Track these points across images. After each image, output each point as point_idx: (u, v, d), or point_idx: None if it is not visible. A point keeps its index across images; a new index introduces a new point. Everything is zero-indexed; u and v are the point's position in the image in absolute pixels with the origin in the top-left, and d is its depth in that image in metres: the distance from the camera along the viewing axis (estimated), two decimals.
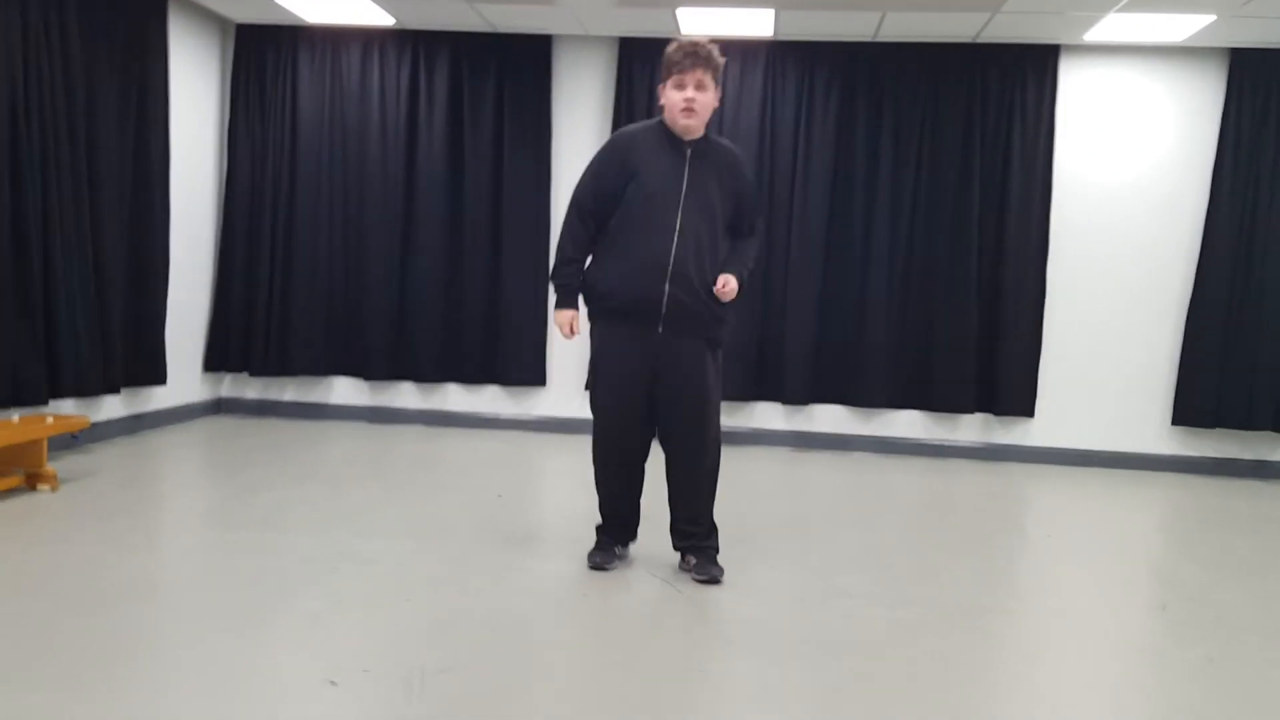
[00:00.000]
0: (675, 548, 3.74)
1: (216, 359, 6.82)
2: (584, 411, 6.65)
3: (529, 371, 6.79)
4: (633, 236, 3.45)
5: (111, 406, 5.78)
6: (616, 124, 6.60)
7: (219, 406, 6.94)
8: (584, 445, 6.29)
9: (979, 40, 6.27)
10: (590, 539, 3.81)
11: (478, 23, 6.36)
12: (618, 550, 3.79)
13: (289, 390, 6.94)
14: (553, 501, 5.33)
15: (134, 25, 5.68)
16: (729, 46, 6.46)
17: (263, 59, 6.76)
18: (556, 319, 3.66)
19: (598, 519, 3.80)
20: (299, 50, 6.73)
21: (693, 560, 3.64)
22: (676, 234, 3.41)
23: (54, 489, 4.50)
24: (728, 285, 3.48)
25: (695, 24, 6.15)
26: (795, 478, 5.78)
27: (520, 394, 6.87)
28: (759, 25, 6.13)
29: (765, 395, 6.68)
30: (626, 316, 3.50)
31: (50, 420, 4.62)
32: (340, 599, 3.26)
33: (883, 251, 6.47)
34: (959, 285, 6.42)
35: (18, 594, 3.19)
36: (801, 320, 6.53)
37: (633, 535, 3.83)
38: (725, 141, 3.67)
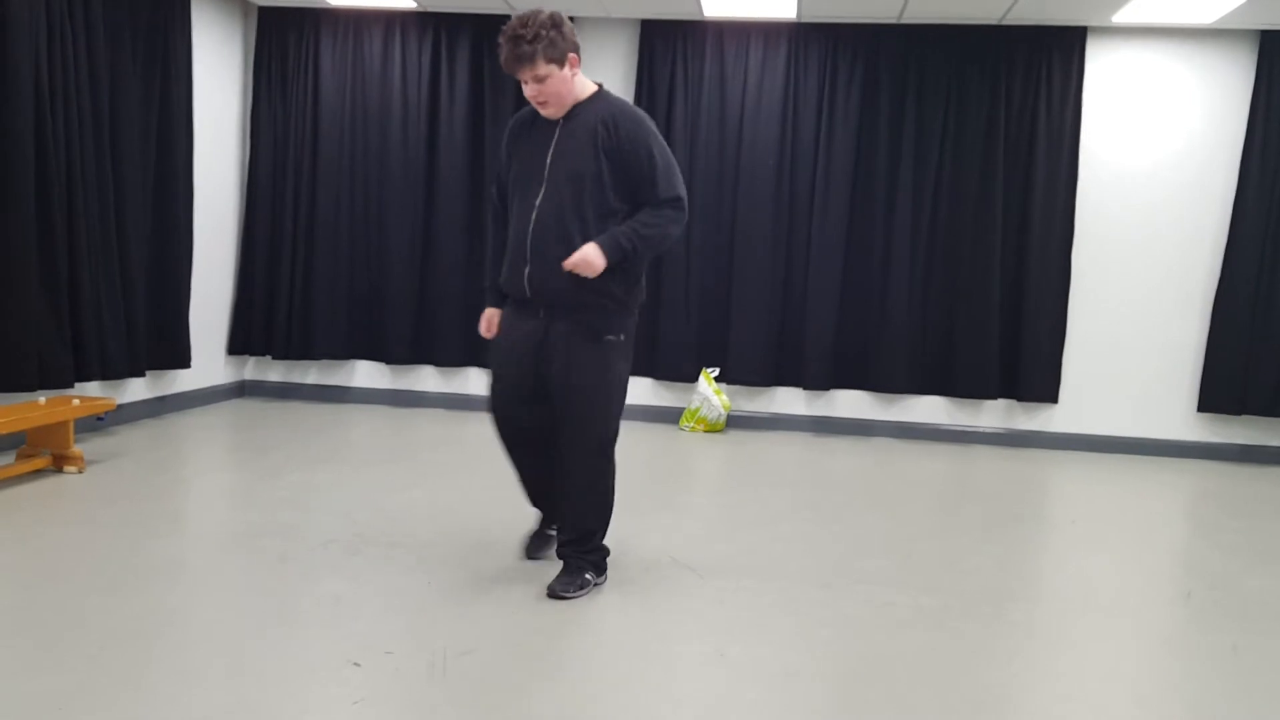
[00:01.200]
0: (558, 552, 3.40)
1: (240, 342, 6.86)
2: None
3: None
4: (510, 223, 3.27)
5: (137, 389, 5.83)
6: (637, 106, 6.58)
7: (242, 389, 6.99)
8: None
9: (1005, 22, 6.20)
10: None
11: (499, 5, 6.34)
12: (551, 531, 3.60)
13: (311, 373, 6.98)
14: None
15: (157, 9, 5.70)
16: (750, 29, 6.48)
17: (284, 42, 6.77)
18: (487, 320, 3.48)
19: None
20: (320, 33, 6.74)
21: (561, 567, 3.34)
22: (535, 209, 3.15)
23: (80, 470, 4.55)
24: (579, 257, 3.04)
25: (718, 6, 6.11)
26: (816, 463, 5.77)
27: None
28: (782, 7, 6.08)
29: (785, 380, 6.66)
30: (510, 299, 3.32)
31: (77, 403, 4.67)
32: (363, 581, 3.28)
33: (905, 235, 6.42)
34: (982, 269, 6.37)
35: (46, 575, 3.23)
36: (822, 304, 6.50)
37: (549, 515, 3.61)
38: (613, 100, 3.24)
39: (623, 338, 3.25)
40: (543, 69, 3.05)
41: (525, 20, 3.04)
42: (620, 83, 6.67)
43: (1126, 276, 6.39)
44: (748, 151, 6.52)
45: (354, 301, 6.84)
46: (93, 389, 5.41)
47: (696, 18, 6.42)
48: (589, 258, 3.05)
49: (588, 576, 3.29)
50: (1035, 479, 5.69)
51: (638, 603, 3.23)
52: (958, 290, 6.43)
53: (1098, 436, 6.46)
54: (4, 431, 4.31)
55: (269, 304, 6.80)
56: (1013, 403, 6.54)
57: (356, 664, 2.64)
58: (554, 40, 3.04)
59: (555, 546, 3.45)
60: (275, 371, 7.01)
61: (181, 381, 6.28)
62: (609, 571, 3.42)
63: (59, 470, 4.53)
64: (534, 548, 3.62)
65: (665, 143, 3.22)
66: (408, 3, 6.42)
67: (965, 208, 6.39)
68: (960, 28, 6.28)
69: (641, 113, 3.23)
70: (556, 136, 3.17)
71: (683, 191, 3.19)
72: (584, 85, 3.21)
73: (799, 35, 6.44)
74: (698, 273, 6.62)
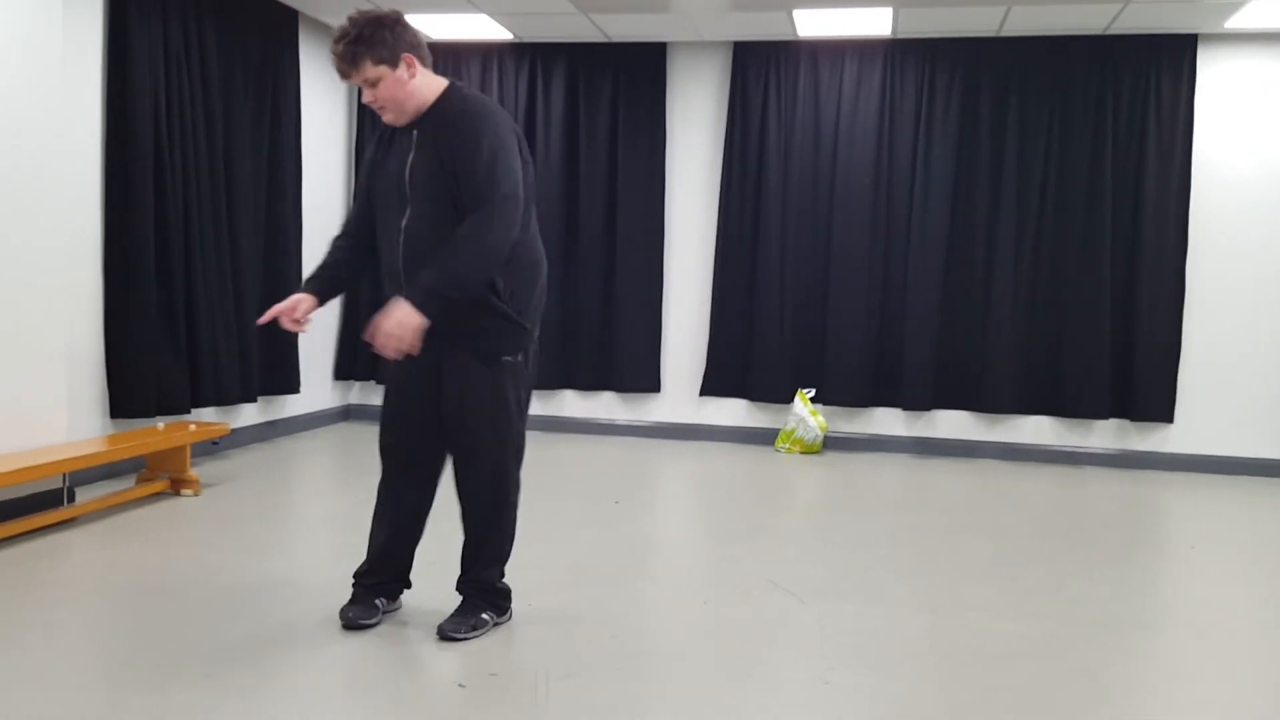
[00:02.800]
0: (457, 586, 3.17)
1: (345, 368, 7.06)
2: (699, 417, 6.72)
3: (644, 378, 6.81)
4: (378, 248, 2.99)
5: (249, 414, 6.04)
6: (730, 129, 6.60)
7: (347, 413, 7.18)
8: (700, 451, 6.32)
9: (1110, 31, 6.03)
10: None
11: (594, 34, 6.43)
12: (380, 603, 3.11)
13: None
14: (669, 507, 5.33)
15: (267, 48, 5.94)
16: (844, 47, 6.43)
17: None
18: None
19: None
20: None
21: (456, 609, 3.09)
22: (402, 231, 2.85)
23: (196, 493, 4.72)
24: (380, 319, 2.68)
25: (812, 25, 6.09)
26: (918, 485, 5.65)
27: (635, 400, 6.90)
28: (877, 24, 6.02)
29: (884, 401, 6.55)
30: None
31: (193, 428, 4.86)
32: None
33: (1008, 251, 6.27)
34: (1091, 283, 6.18)
35: (164, 595, 3.35)
36: (922, 322, 6.39)
37: (400, 583, 3.19)
38: (468, 95, 2.94)
39: (520, 358, 2.94)
40: (371, 71, 2.77)
41: (350, 21, 2.78)
42: (713, 105, 6.69)
43: (1244, 289, 6.13)
44: (843, 170, 6.46)
45: None
46: (208, 414, 5.62)
47: (790, 38, 6.40)
48: (397, 326, 2.68)
49: (484, 616, 3.05)
50: (1150, 502, 5.47)
51: (737, 627, 3.20)
52: (1065, 306, 6.25)
53: (1215, 457, 6.18)
54: (125, 456, 4.51)
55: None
56: (1125, 422, 6.31)
57: (462, 685, 2.67)
58: (380, 39, 2.75)
59: (385, 612, 3.13)
60: (378, 396, 7.15)
61: (291, 406, 6.49)
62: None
63: (176, 493, 4.71)
64: (359, 614, 3.06)
65: (503, 135, 2.83)
66: (504, 34, 6.55)
67: (1072, 221, 6.21)
68: (1063, 38, 6.13)
69: (494, 106, 2.93)
70: (412, 150, 2.85)
71: (508, 189, 2.76)
72: (431, 86, 2.89)
73: (895, 51, 6.37)
74: (792, 292, 6.57)
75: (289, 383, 6.25)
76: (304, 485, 5.47)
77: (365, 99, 2.86)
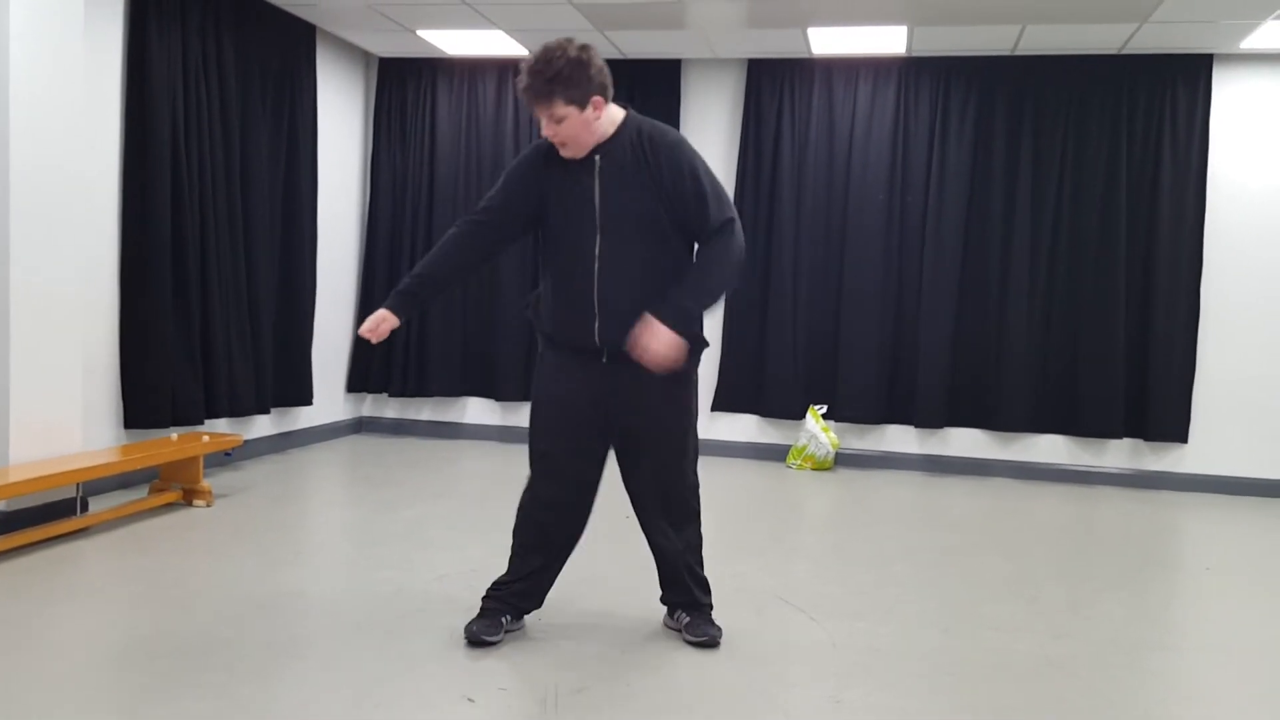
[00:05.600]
0: (663, 602, 3.28)
1: (358, 381, 7.07)
2: (711, 433, 6.70)
3: None
4: (555, 272, 3.01)
5: (262, 425, 6.05)
6: (744, 146, 6.61)
7: (360, 425, 7.19)
8: (713, 468, 6.30)
9: (1125, 51, 6.03)
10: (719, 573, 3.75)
11: (609, 50, 6.46)
12: (505, 620, 3.12)
13: (425, 410, 7.14)
14: None
15: (285, 61, 5.98)
16: (858, 65, 6.44)
17: (403, 91, 7.02)
18: (374, 320, 3.10)
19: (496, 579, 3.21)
20: (437, 82, 6.97)
21: (684, 618, 3.19)
22: (596, 259, 2.90)
23: (209, 504, 4.73)
24: (648, 340, 2.81)
25: (827, 43, 6.10)
26: (930, 503, 5.62)
27: None
28: (892, 42, 6.03)
29: (896, 418, 6.53)
30: (565, 347, 3.03)
31: (206, 439, 4.87)
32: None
33: (1023, 268, 6.26)
34: (1105, 302, 6.16)
35: (176, 605, 3.36)
36: (935, 340, 6.37)
37: (534, 604, 3.21)
38: (648, 126, 2.97)
39: (696, 373, 3.11)
40: (560, 109, 2.81)
41: (549, 55, 2.80)
42: (727, 122, 6.71)
43: (1260, 309, 6.09)
44: (856, 187, 6.46)
45: (467, 341, 7.00)
46: (221, 425, 5.63)
47: (804, 55, 6.42)
48: (667, 346, 2.82)
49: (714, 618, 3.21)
50: (1164, 522, 5.43)
51: (748, 645, 3.19)
52: (1080, 325, 6.22)
53: (1231, 478, 6.14)
54: (138, 466, 4.53)
55: (386, 343, 6.90)
56: (1139, 442, 6.27)
57: (471, 700, 2.67)
58: (576, 80, 2.79)
59: (507, 630, 3.13)
60: (391, 408, 7.19)
61: (304, 418, 6.50)
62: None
63: (189, 504, 4.72)
64: (484, 630, 3.08)
65: (706, 162, 3.00)
66: (520, 50, 6.58)
67: (1086, 240, 6.19)
68: (1078, 58, 6.12)
69: (677, 134, 3.02)
70: (599, 175, 2.90)
71: (733, 212, 2.95)
72: (611, 117, 2.93)
73: (909, 70, 6.38)
74: (805, 308, 6.56)
75: (302, 394, 6.27)
76: (316, 497, 5.48)
77: (546, 131, 2.88)
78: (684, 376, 3.02)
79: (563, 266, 2.98)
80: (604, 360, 2.96)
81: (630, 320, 2.86)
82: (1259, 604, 3.92)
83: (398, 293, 3.09)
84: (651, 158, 2.90)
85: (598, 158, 2.91)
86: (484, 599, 3.15)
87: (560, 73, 2.78)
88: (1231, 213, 6.11)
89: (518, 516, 3.16)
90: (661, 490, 3.11)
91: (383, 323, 3.04)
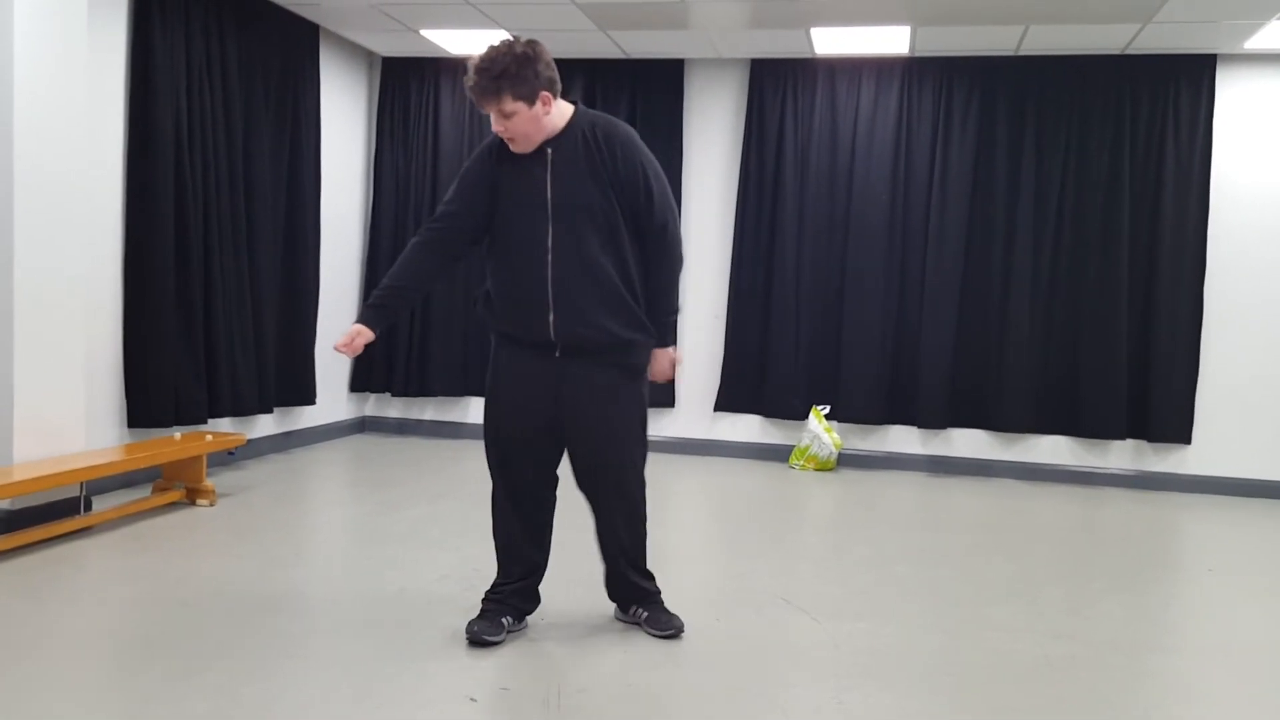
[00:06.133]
0: (612, 599, 3.30)
1: (361, 380, 7.08)
2: (714, 433, 6.71)
3: (658, 392, 6.79)
4: (504, 265, 3.00)
5: (265, 424, 6.06)
6: (747, 146, 6.61)
7: (363, 425, 7.20)
8: (714, 467, 6.31)
9: (1129, 51, 6.02)
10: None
11: (612, 50, 6.46)
12: (507, 622, 3.12)
13: (428, 410, 7.15)
14: (683, 523, 5.32)
15: (288, 60, 5.99)
16: (861, 65, 6.44)
17: (406, 90, 7.03)
18: (349, 336, 3.01)
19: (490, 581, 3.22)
20: (440, 81, 6.97)
21: (642, 613, 3.22)
22: (549, 250, 2.91)
23: (212, 503, 4.74)
24: (662, 369, 3.12)
25: (830, 43, 6.10)
26: (932, 504, 5.62)
27: (650, 415, 6.87)
28: (895, 42, 6.03)
29: (899, 418, 6.52)
30: (518, 341, 3.05)
31: (209, 438, 4.88)
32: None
33: (1025, 269, 6.25)
34: (1108, 303, 6.15)
35: (179, 604, 3.36)
36: (938, 340, 6.36)
37: (531, 603, 3.22)
38: (601, 120, 3.01)
39: (648, 368, 3.17)
40: (509, 105, 2.83)
41: (495, 52, 2.83)
42: (730, 122, 6.71)
43: (1263, 310, 6.08)
44: (860, 187, 6.46)
45: (469, 341, 6.99)
46: (224, 425, 5.64)
47: (807, 55, 6.42)
48: (674, 360, 3.14)
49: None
50: (1167, 523, 5.43)
51: (750, 645, 3.19)
52: (1082, 325, 6.22)
53: (1234, 480, 6.13)
54: (141, 465, 4.54)
55: (389, 343, 7.01)
56: (1142, 443, 6.26)
57: (473, 699, 2.67)
58: (523, 77, 2.81)
59: (509, 631, 3.14)
60: (394, 408, 7.20)
61: (307, 417, 6.51)
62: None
63: (192, 503, 4.73)
64: (485, 631, 3.07)
65: (653, 158, 3.04)
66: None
67: (1089, 240, 6.19)
68: (1081, 58, 6.12)
69: (629, 129, 3.03)
70: (550, 167, 2.93)
71: (673, 214, 3.06)
72: (560, 112, 2.95)
73: (912, 70, 6.38)
74: (808, 308, 6.56)
75: (305, 394, 6.28)
76: (319, 496, 5.48)
77: (495, 128, 2.91)
78: (638, 369, 3.09)
79: (514, 259, 2.98)
80: (557, 354, 2.99)
81: (583, 312, 2.93)
82: (1260, 605, 3.92)
83: (369, 306, 3.09)
84: (605, 149, 2.93)
85: (549, 150, 2.94)
86: (484, 600, 3.17)
87: (507, 70, 2.80)
88: (1234, 214, 6.11)
89: (492, 518, 3.19)
90: (613, 481, 3.13)
91: (358, 337, 3.00)
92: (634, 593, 3.25)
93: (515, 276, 2.99)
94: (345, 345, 3.00)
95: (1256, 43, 5.73)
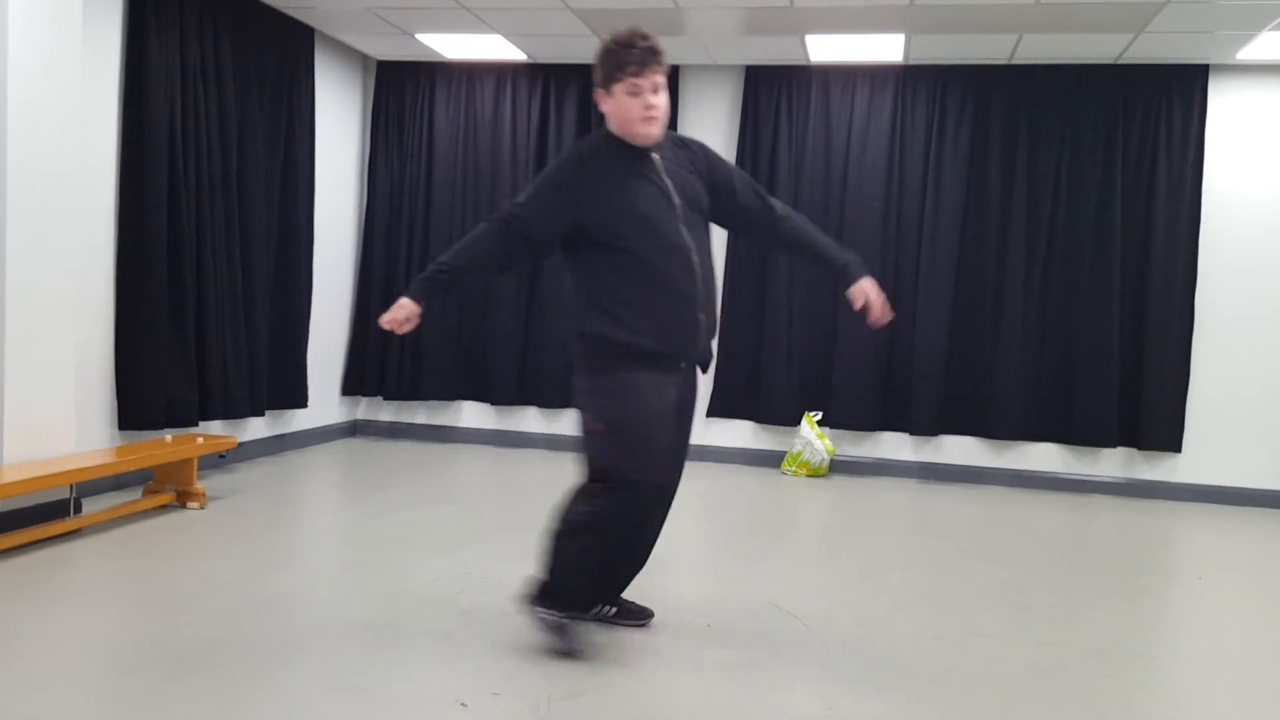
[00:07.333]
0: (618, 601, 3.32)
1: (353, 383, 7.07)
2: (705, 438, 6.69)
3: None
4: (651, 275, 2.90)
5: (256, 428, 6.05)
6: (741, 152, 6.62)
7: (355, 428, 7.18)
8: (706, 473, 6.31)
9: (1122, 61, 6.05)
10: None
11: None
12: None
13: (420, 414, 7.14)
14: (674, 528, 5.31)
15: (283, 63, 5.99)
16: (855, 72, 6.46)
17: (401, 94, 7.02)
18: (400, 312, 3.04)
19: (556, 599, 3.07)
20: (435, 85, 6.97)
21: (610, 610, 3.29)
22: (691, 250, 2.93)
23: (202, 506, 4.72)
24: (872, 296, 3.28)
25: (825, 51, 6.12)
26: (924, 510, 5.63)
27: None
28: (889, 50, 6.05)
29: (891, 425, 6.53)
30: (656, 358, 2.94)
31: (200, 440, 4.86)
32: (470, 620, 3.31)
33: (1018, 277, 6.27)
34: (1100, 312, 6.17)
35: (170, 607, 3.35)
36: (930, 348, 6.38)
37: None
38: (678, 136, 3.16)
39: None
40: (661, 78, 2.90)
41: (640, 30, 2.92)
42: (724, 127, 6.72)
43: (1254, 320, 6.11)
44: (853, 194, 6.47)
45: (462, 344, 6.99)
46: (216, 427, 5.62)
47: (802, 62, 6.43)
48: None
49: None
50: (1157, 531, 5.44)
51: (741, 651, 3.19)
52: (1074, 334, 6.24)
53: (1223, 488, 6.15)
54: (132, 468, 4.52)
55: (382, 347, 7.00)
56: (1133, 451, 6.28)
57: (464, 704, 2.66)
58: (663, 58, 2.92)
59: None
60: (386, 412, 7.19)
61: (298, 420, 6.50)
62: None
63: (183, 506, 4.72)
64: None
65: None
66: (518, 55, 6.59)
67: (1081, 249, 6.21)
68: (1074, 67, 6.15)
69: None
70: (664, 169, 2.96)
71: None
72: None
73: (906, 77, 6.39)
74: (800, 314, 6.57)
75: (297, 397, 6.27)
76: (310, 500, 5.47)
77: (648, 102, 2.89)
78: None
79: (660, 268, 2.89)
80: (682, 366, 3.03)
81: (714, 306, 3.04)
82: (1250, 613, 3.93)
83: (423, 279, 3.07)
84: (690, 149, 3.05)
85: (655, 155, 2.97)
86: (557, 619, 3.04)
87: (657, 45, 2.89)
88: (1226, 223, 6.13)
89: (581, 545, 2.98)
90: (673, 494, 3.22)
91: (404, 316, 3.03)
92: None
93: (666, 286, 2.91)
94: (391, 320, 3.01)
95: (1249, 53, 5.76)
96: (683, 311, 2.93)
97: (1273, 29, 5.28)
